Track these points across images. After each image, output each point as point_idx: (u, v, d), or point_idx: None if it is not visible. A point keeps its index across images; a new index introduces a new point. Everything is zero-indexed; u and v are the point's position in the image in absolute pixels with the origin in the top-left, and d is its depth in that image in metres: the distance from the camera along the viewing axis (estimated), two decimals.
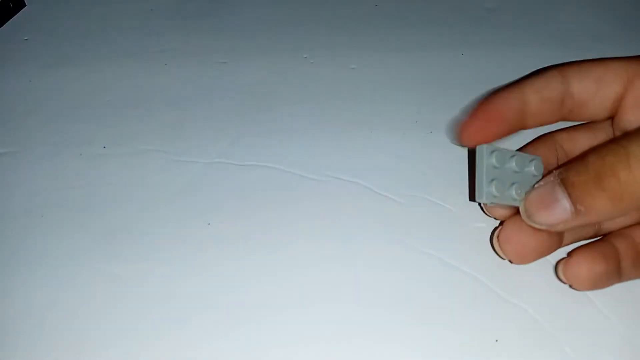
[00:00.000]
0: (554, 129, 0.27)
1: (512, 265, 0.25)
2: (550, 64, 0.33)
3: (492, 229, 0.26)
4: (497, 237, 0.24)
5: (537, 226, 0.22)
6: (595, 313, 0.24)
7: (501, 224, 0.25)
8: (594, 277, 0.23)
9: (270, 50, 0.34)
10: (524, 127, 0.25)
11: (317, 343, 0.23)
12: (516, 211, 0.24)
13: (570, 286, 0.24)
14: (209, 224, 0.26)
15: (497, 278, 0.25)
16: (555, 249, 0.24)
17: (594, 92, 0.24)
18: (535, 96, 0.24)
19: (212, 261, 0.25)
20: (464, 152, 0.29)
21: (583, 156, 0.22)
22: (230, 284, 0.25)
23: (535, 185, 0.23)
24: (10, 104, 0.31)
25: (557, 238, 0.24)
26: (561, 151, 0.26)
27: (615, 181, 0.20)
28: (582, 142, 0.26)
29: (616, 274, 0.23)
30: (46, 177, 0.28)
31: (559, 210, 0.22)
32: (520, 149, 0.26)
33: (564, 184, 0.22)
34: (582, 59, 0.33)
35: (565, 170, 0.22)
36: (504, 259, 0.25)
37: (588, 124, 0.26)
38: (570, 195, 0.21)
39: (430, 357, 0.23)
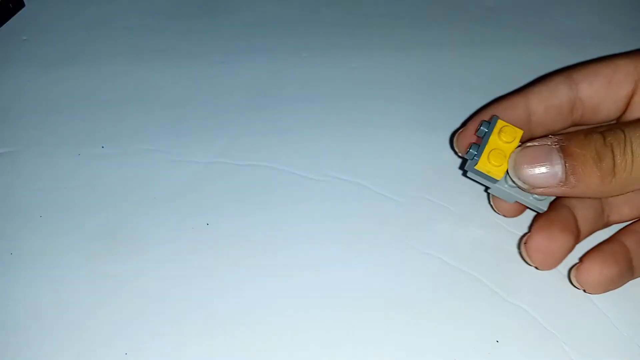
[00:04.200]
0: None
1: (512, 265, 0.25)
2: (550, 63, 0.33)
3: (492, 229, 0.26)
4: (525, 244, 0.23)
5: (517, 182, 0.22)
6: (595, 313, 0.24)
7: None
8: (606, 280, 0.22)
9: (269, 49, 0.34)
10: (532, 137, 0.24)
11: (317, 343, 0.23)
12: (524, 208, 0.24)
13: (584, 291, 0.23)
14: (207, 224, 0.26)
15: (497, 278, 0.25)
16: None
17: (604, 95, 0.24)
18: (541, 105, 0.24)
19: (210, 261, 0.25)
20: None
21: (586, 132, 0.21)
22: (228, 284, 0.25)
23: (529, 144, 0.22)
24: (9, 104, 0.31)
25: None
26: None
27: (610, 163, 0.21)
28: None
29: (628, 272, 0.23)
30: (44, 176, 0.28)
31: (548, 174, 0.21)
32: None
33: (563, 151, 0.21)
34: (582, 58, 0.33)
35: (567, 139, 0.21)
36: (529, 265, 0.24)
37: None
38: (566, 164, 0.21)
39: (431, 358, 0.23)
